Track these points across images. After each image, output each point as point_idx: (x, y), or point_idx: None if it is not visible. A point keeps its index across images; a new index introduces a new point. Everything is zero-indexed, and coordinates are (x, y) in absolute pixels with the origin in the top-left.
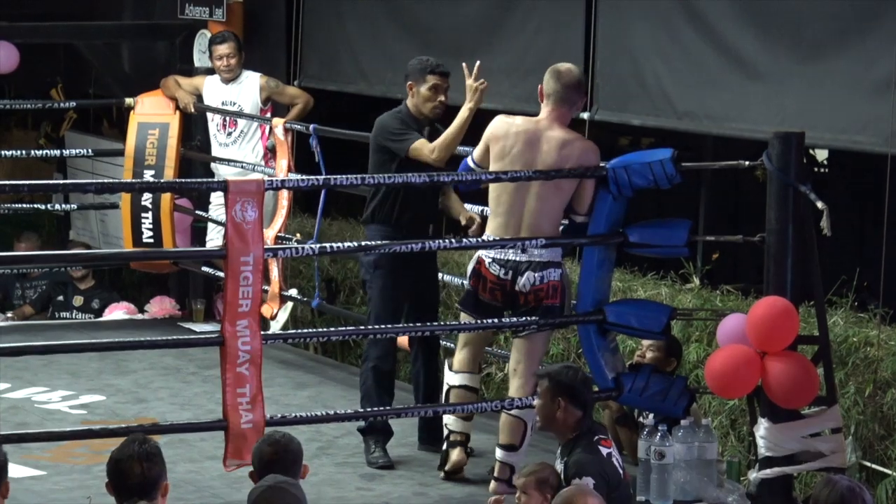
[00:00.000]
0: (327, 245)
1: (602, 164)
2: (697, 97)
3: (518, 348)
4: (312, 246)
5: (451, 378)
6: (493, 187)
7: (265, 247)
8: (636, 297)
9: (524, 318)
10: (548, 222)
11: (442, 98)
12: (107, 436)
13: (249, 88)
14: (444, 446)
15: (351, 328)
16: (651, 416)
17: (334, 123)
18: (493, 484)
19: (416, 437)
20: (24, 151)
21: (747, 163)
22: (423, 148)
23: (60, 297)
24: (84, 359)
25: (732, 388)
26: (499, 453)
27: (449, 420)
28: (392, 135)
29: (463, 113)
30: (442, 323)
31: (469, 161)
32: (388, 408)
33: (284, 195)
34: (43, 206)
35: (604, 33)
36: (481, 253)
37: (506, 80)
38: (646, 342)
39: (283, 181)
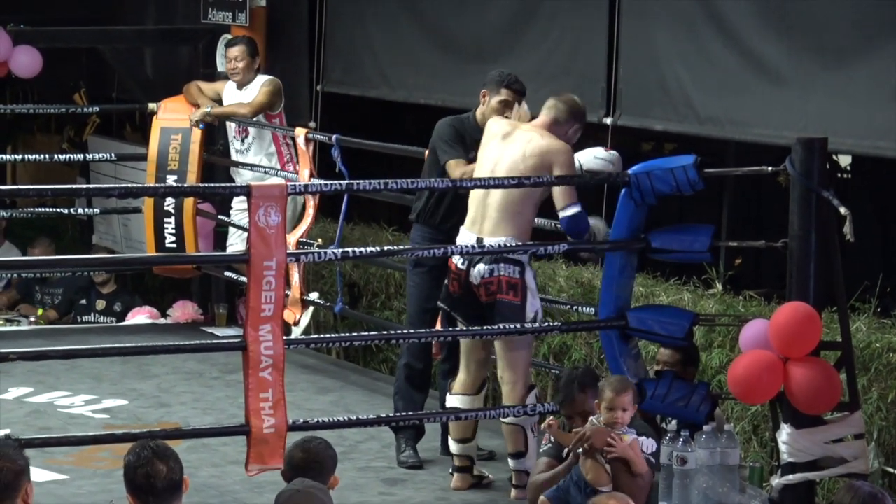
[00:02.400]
0: (349, 250)
1: (624, 171)
2: (720, 103)
3: (500, 355)
4: (335, 251)
5: (449, 401)
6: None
7: (288, 251)
8: (659, 302)
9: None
10: (509, 215)
11: (509, 113)
12: (129, 440)
13: (254, 93)
14: (451, 470)
15: (373, 333)
16: (674, 421)
17: (354, 132)
18: (513, 492)
19: (439, 441)
20: (47, 155)
21: (770, 168)
22: (455, 169)
23: (83, 301)
24: (107, 363)
25: (755, 394)
26: (511, 463)
27: (450, 444)
28: (441, 141)
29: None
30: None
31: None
32: (402, 413)
33: (311, 203)
34: (66, 211)
35: (627, 38)
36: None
37: (529, 84)
38: (662, 352)
39: (305, 185)
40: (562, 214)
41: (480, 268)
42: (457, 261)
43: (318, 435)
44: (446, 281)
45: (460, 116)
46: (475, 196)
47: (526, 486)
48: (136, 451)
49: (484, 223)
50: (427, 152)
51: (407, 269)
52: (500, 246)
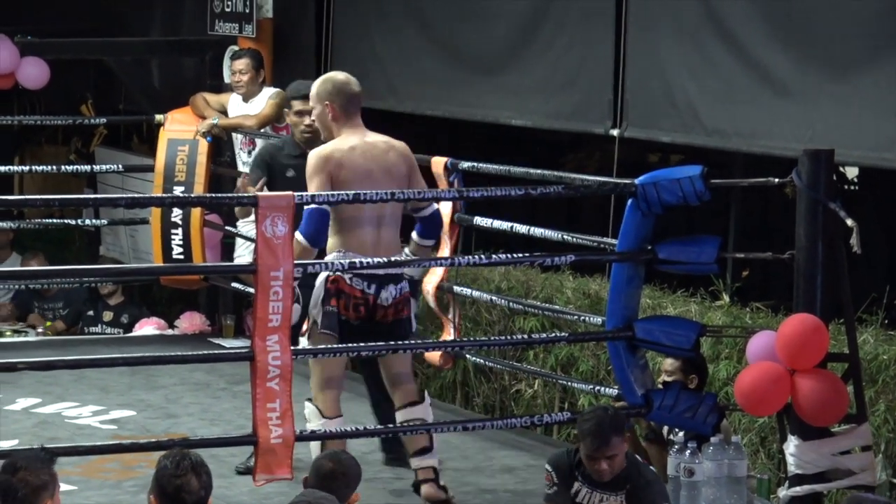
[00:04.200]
0: (357, 260)
1: (631, 181)
2: (727, 114)
3: (397, 360)
4: (342, 262)
5: (328, 424)
6: (338, 207)
7: (295, 262)
8: (666, 313)
9: (554, 336)
10: (396, 229)
11: (307, 121)
12: (137, 450)
13: (261, 105)
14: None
15: (381, 343)
16: (681, 433)
17: None
18: (428, 488)
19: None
20: (54, 167)
21: (777, 180)
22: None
23: (90, 313)
24: (114, 374)
25: (762, 406)
26: (417, 461)
27: (417, 459)
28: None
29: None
30: (473, 339)
31: (315, 207)
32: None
33: None
34: (73, 222)
35: (633, 50)
36: (331, 270)
37: (535, 97)
38: (666, 362)
39: (312, 196)
40: (426, 213)
41: (392, 288)
42: (360, 286)
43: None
44: (330, 308)
45: (278, 142)
46: (363, 216)
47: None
48: (175, 459)
49: (381, 244)
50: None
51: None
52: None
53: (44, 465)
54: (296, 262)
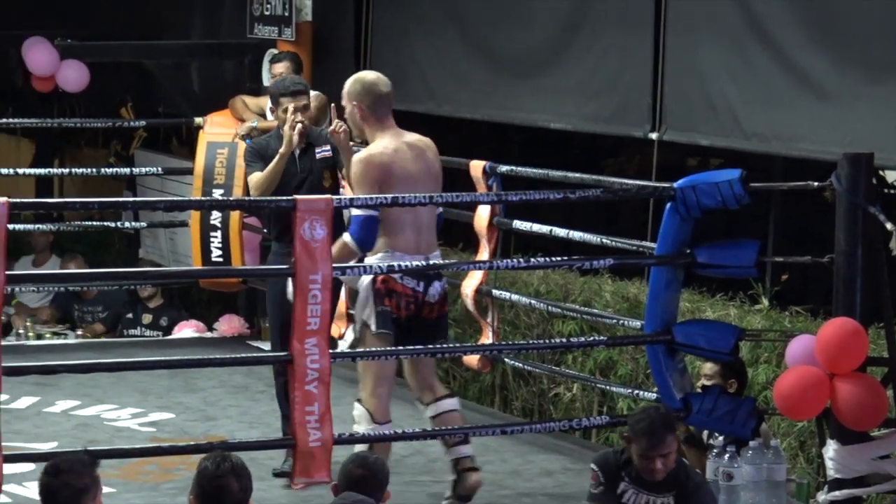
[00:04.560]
0: (395, 264)
1: (670, 185)
2: (766, 118)
3: (427, 362)
4: (380, 265)
5: (378, 429)
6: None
7: (333, 265)
8: (704, 317)
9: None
10: (434, 228)
11: (298, 118)
12: (176, 453)
13: None
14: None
15: (419, 346)
16: (720, 437)
17: None
18: (475, 476)
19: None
20: (94, 170)
21: (816, 183)
22: (251, 181)
23: (130, 315)
24: (153, 376)
25: (801, 410)
26: (457, 451)
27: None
28: (245, 161)
29: (276, 158)
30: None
31: (365, 213)
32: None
33: None
34: (113, 224)
35: (672, 53)
36: (381, 269)
37: (574, 100)
38: (705, 366)
39: (351, 199)
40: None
41: (437, 284)
42: (411, 284)
43: (363, 449)
44: (384, 308)
45: (267, 138)
46: (410, 217)
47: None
48: (217, 460)
49: (427, 242)
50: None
51: (269, 283)
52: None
53: (86, 469)
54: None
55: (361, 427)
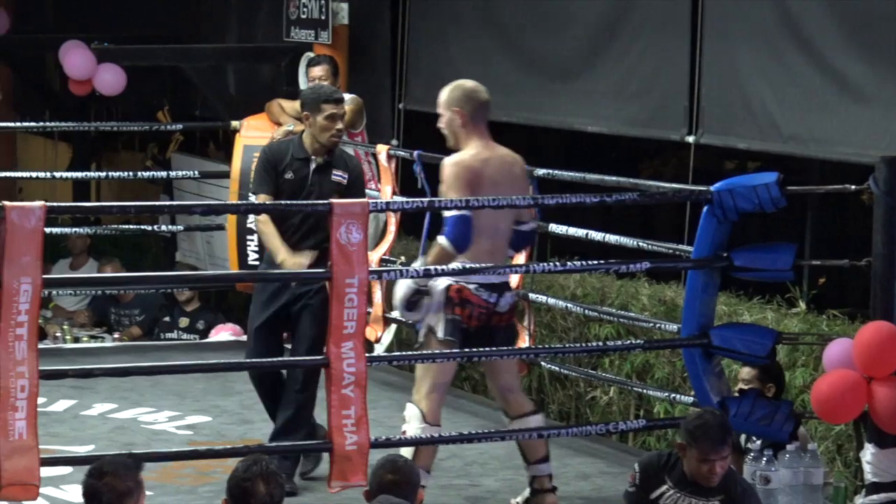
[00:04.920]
0: (431, 267)
1: (706, 188)
2: (803, 121)
3: (508, 368)
4: (417, 268)
5: (427, 430)
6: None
7: (370, 269)
8: (741, 321)
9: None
10: (508, 240)
11: (339, 126)
12: (212, 457)
13: None
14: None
15: (455, 350)
16: (757, 440)
17: (432, 147)
18: (551, 497)
19: None
20: (131, 173)
21: (853, 187)
22: (256, 203)
23: (166, 319)
24: (190, 380)
25: (838, 413)
26: (535, 469)
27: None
28: (255, 170)
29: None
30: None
31: (457, 213)
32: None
33: (392, 220)
34: (149, 228)
35: (709, 57)
36: (457, 280)
37: (611, 103)
38: (742, 370)
39: (387, 203)
40: (526, 227)
41: (508, 296)
42: (485, 296)
43: (400, 453)
44: (454, 316)
45: (280, 143)
46: (487, 226)
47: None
48: (248, 463)
49: (502, 253)
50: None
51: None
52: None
53: (130, 472)
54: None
55: (411, 426)
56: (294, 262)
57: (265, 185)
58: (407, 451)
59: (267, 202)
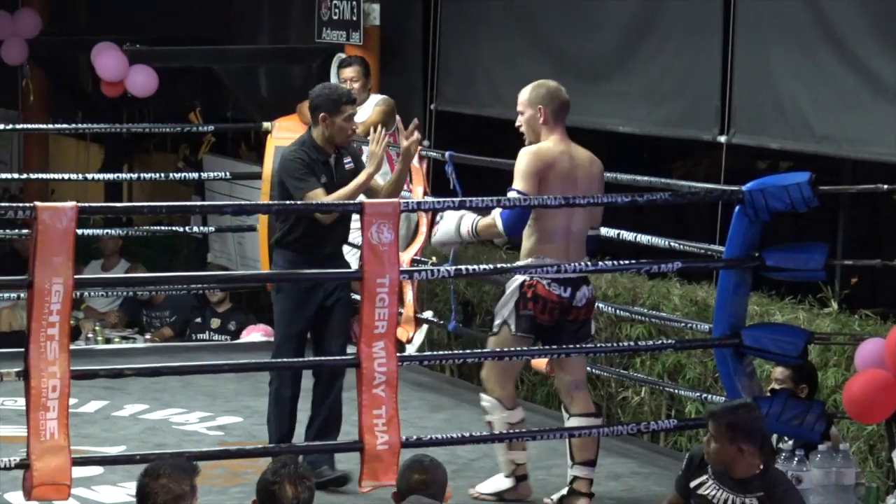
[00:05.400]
0: (463, 267)
1: (738, 188)
2: (836, 121)
3: (575, 365)
4: (448, 268)
5: (511, 415)
6: (539, 212)
7: (401, 269)
8: (773, 321)
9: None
10: (584, 239)
11: (354, 126)
12: (243, 457)
13: (368, 112)
14: (513, 482)
15: (487, 350)
16: (789, 441)
17: (464, 148)
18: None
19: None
20: (163, 174)
21: (886, 186)
22: (315, 198)
23: (198, 320)
24: (221, 380)
25: (870, 413)
26: (581, 471)
27: (518, 456)
28: (291, 176)
29: (361, 177)
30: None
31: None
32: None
33: (424, 221)
34: (181, 229)
35: (741, 57)
36: (531, 276)
37: (642, 104)
38: (776, 370)
39: (419, 203)
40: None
41: (585, 290)
42: (557, 290)
43: (431, 453)
44: (527, 311)
45: (298, 145)
46: (560, 223)
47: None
48: (278, 465)
49: (576, 251)
50: (275, 185)
51: (272, 293)
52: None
53: (186, 475)
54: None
55: (495, 416)
56: (372, 169)
57: (315, 180)
58: (501, 445)
59: (321, 196)
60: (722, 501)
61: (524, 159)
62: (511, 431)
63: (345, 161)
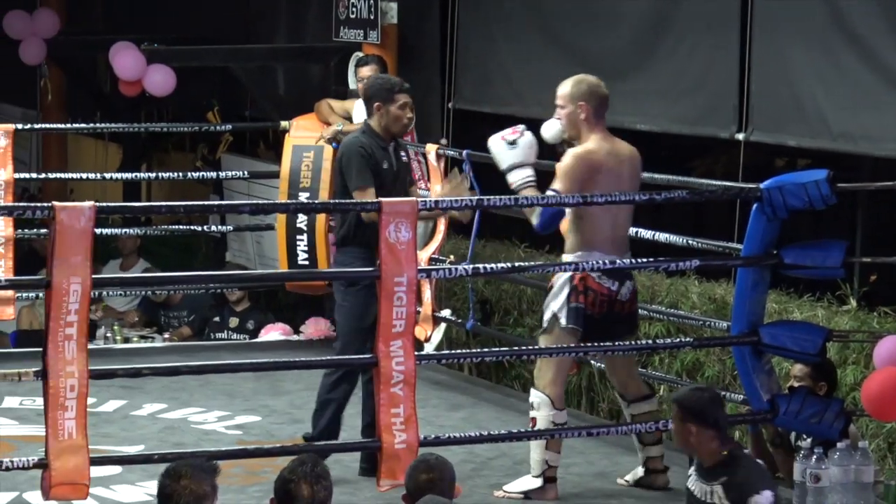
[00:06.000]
0: (481, 266)
1: (756, 186)
2: (854, 118)
3: (627, 361)
4: (466, 267)
5: (558, 416)
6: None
7: (418, 268)
8: (792, 318)
9: (679, 341)
10: (628, 231)
11: (410, 114)
12: (262, 456)
13: None
14: (542, 483)
15: (505, 349)
16: (808, 438)
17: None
18: (663, 477)
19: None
20: (181, 174)
21: None
22: (363, 197)
23: (216, 319)
24: (239, 379)
25: (889, 411)
26: (655, 450)
27: (553, 457)
28: (350, 168)
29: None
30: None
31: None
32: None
33: (442, 220)
34: (199, 228)
35: (759, 54)
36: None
37: (660, 101)
38: (795, 367)
39: (436, 202)
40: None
41: (629, 284)
42: (607, 284)
43: (449, 451)
44: (578, 304)
45: (361, 137)
46: (608, 218)
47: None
48: (296, 464)
49: (621, 245)
50: (337, 174)
51: (337, 289)
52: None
53: (207, 475)
54: (419, 268)
55: (541, 412)
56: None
57: (370, 179)
58: (538, 443)
59: (371, 197)
60: (699, 493)
61: (571, 162)
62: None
63: (400, 153)
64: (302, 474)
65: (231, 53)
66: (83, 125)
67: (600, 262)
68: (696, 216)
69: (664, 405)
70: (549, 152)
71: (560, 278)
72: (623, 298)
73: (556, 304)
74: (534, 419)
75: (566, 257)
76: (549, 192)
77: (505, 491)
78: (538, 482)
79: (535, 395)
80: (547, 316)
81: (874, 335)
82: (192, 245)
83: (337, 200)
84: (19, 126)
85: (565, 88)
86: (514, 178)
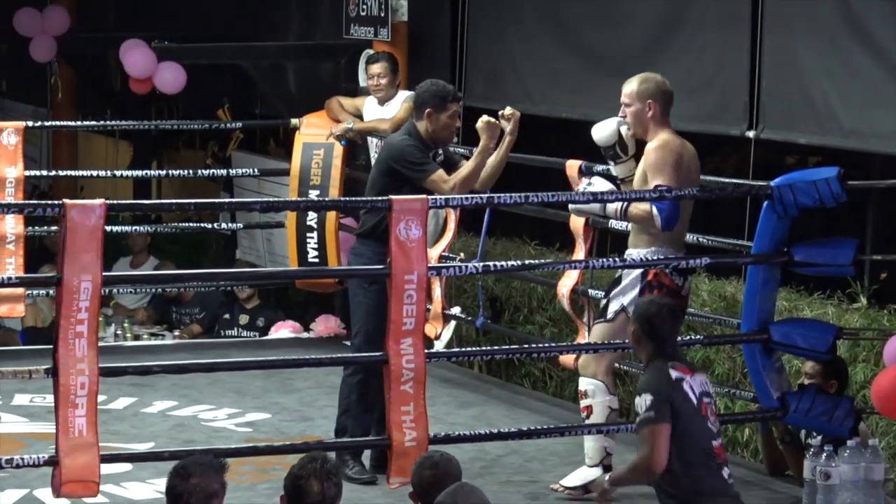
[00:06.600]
0: (491, 264)
1: (766, 183)
2: (864, 116)
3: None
4: (476, 264)
5: (613, 401)
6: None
7: (429, 265)
8: (802, 316)
9: (690, 339)
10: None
11: (458, 124)
12: (271, 453)
13: (396, 109)
14: (601, 471)
15: (515, 347)
16: (818, 436)
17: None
18: None
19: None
20: (191, 171)
21: None
22: (440, 181)
23: (226, 316)
24: (249, 377)
25: None
26: None
27: (609, 443)
28: (409, 162)
29: (499, 152)
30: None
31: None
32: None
33: (452, 217)
34: (209, 225)
35: (770, 52)
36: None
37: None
38: (806, 365)
39: (447, 199)
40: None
41: (689, 279)
42: (677, 280)
43: (459, 449)
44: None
45: (406, 135)
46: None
47: None
48: (306, 460)
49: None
50: (376, 174)
51: (353, 286)
52: (642, 259)
53: (216, 473)
54: (429, 265)
55: (597, 399)
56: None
57: (433, 163)
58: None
59: (443, 175)
60: None
61: (661, 153)
62: (607, 420)
63: (437, 158)
64: (312, 471)
65: (241, 51)
66: (93, 123)
67: (607, 262)
68: (707, 214)
69: None
70: None
71: (630, 274)
72: (685, 293)
73: (626, 299)
74: (588, 407)
75: (637, 252)
76: (658, 187)
77: (562, 485)
78: (597, 471)
79: (589, 383)
80: (614, 307)
81: (884, 333)
82: (202, 242)
83: (348, 198)
84: (30, 123)
85: (632, 86)
86: (615, 206)
